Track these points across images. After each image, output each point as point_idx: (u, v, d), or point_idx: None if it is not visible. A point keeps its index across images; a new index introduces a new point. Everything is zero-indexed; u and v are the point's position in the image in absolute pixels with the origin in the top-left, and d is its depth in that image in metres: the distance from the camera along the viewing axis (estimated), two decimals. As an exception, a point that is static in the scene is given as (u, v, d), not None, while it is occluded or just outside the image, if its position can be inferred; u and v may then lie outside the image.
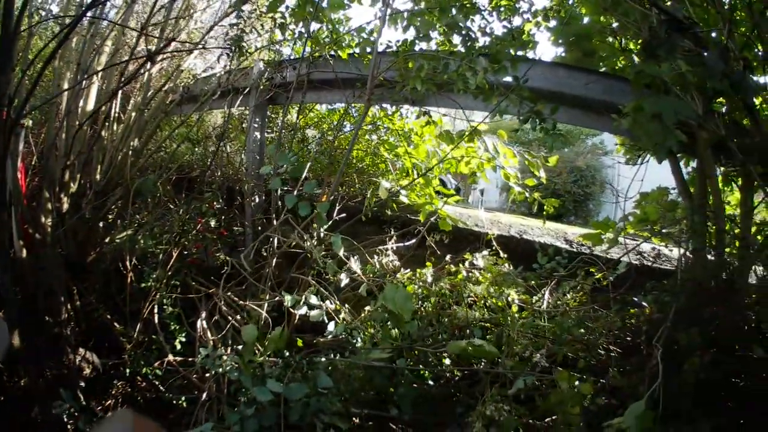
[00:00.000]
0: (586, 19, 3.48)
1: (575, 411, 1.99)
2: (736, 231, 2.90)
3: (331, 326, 2.88)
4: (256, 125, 4.29)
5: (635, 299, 2.53)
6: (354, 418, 2.66)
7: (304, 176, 2.96)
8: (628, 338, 2.68)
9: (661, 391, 2.15)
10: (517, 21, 3.61)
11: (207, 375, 3.01)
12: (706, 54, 2.31)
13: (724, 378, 2.62)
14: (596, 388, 2.36)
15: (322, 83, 4.14)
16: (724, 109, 2.96)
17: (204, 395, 2.88)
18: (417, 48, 3.43)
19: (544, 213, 3.29)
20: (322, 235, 2.76)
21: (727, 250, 2.92)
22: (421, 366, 2.65)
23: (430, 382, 2.76)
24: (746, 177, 2.87)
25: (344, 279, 2.81)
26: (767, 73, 3.06)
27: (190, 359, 3.25)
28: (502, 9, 3.72)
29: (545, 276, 2.82)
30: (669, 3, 2.86)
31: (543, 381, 2.25)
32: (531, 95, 2.57)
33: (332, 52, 4.07)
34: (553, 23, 3.71)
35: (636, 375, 2.55)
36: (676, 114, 2.29)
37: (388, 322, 2.47)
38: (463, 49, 3.16)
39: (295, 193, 2.82)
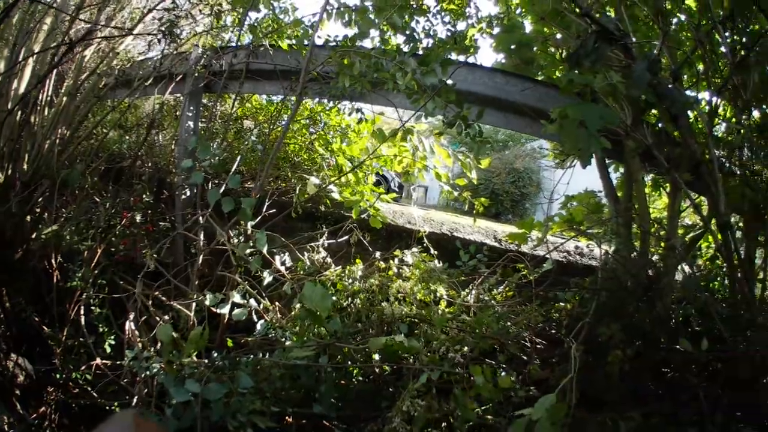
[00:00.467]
0: (529, 28, 3.64)
1: (472, 406, 2.10)
2: (662, 233, 3.14)
3: (260, 325, 2.90)
4: (190, 114, 4.18)
5: (559, 294, 2.68)
6: (287, 417, 2.70)
7: (234, 169, 2.93)
8: (553, 332, 2.85)
9: (575, 382, 2.28)
10: (461, 26, 3.74)
11: (137, 379, 2.95)
12: (633, 65, 2.46)
13: (652, 369, 2.85)
14: (518, 381, 2.50)
15: (261, 73, 4.10)
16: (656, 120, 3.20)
17: (135, 399, 2.82)
18: (359, 45, 3.46)
19: (475, 212, 3.42)
20: (249, 231, 2.74)
21: (654, 250, 3.16)
22: (347, 363, 2.70)
23: (360, 378, 2.84)
24: (673, 184, 3.11)
25: (267, 277, 2.81)
26: (702, 89, 3.33)
27: (119, 362, 3.17)
28: (447, 13, 3.83)
29: (468, 273, 2.94)
30: (612, 15, 3.05)
31: (463, 375, 2.36)
32: (457, 99, 2.66)
33: (273, 43, 4.03)
34: (496, 30, 3.85)
35: (558, 367, 2.72)
36: (599, 121, 2.41)
37: (309, 320, 2.51)
38: (406, 49, 3.23)
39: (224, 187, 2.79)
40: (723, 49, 2.87)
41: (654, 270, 2.87)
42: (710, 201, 2.83)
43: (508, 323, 2.58)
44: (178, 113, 4.84)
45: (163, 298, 3.19)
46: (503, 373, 2.49)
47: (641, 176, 2.91)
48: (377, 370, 2.80)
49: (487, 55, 18.44)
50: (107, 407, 3.07)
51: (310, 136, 4.07)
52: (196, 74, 4.29)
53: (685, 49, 3.11)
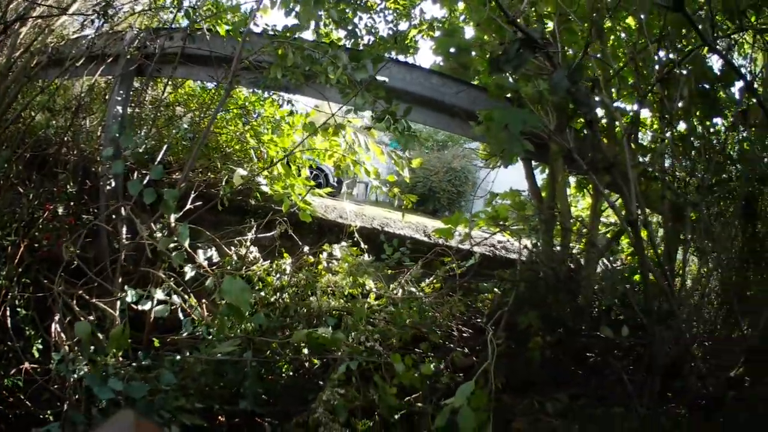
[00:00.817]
0: (471, 34, 3.74)
1: (393, 392, 2.22)
2: (585, 231, 3.36)
3: (185, 323, 2.90)
4: (119, 98, 4.03)
5: (481, 285, 2.84)
6: (220, 416, 2.74)
7: (159, 159, 2.88)
8: (477, 321, 3.01)
9: (495, 368, 2.42)
10: (404, 26, 3.80)
11: (66, 384, 2.89)
12: (554, 73, 2.59)
13: (575, 355, 3.08)
14: (444, 368, 2.64)
15: (196, 59, 4.00)
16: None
17: (66, 405, 2.77)
18: (298, 36, 3.44)
19: (403, 207, 3.54)
20: (172, 224, 2.72)
21: (575, 246, 3.38)
22: (275, 358, 2.76)
23: (291, 373, 2.91)
24: (595, 185, 3.31)
25: (190, 272, 2.81)
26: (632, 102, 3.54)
27: (47, 367, 3.08)
28: (392, 12, 3.87)
29: (393, 265, 3.05)
30: (551, 26, 3.17)
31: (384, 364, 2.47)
32: (387, 95, 2.73)
33: (211, 27, 3.94)
34: (438, 33, 3.93)
35: (480, 355, 2.88)
36: (521, 125, 2.53)
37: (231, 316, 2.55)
38: (349, 45, 3.25)
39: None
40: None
41: (575, 263, 3.08)
42: (624, 201, 3.04)
43: (432, 313, 2.71)
44: (108, 97, 4.66)
45: (87, 297, 3.12)
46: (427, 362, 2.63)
47: (564, 177, 3.08)
48: (306, 364, 2.87)
49: (427, 56, 18.61)
50: (41, 416, 2.99)
51: (243, 126, 4.01)
52: (129, 56, 4.14)
53: (620, 64, 3.30)
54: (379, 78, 3.45)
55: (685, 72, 3.04)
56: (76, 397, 2.81)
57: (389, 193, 3.51)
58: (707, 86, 3.19)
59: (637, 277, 3.67)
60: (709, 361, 3.05)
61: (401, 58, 3.83)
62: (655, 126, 3.75)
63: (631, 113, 3.53)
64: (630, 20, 3.55)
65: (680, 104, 3.14)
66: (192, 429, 2.48)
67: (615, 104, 3.47)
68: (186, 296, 2.81)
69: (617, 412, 2.74)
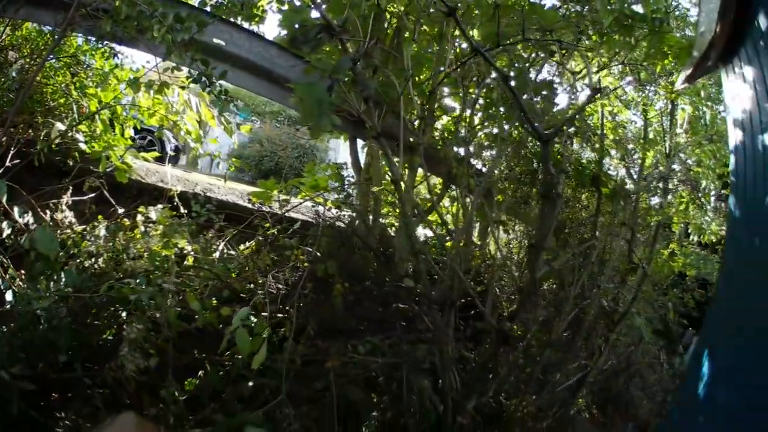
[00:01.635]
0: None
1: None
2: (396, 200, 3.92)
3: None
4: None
5: (287, 241, 3.25)
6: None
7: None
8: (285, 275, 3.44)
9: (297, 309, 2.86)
10: None
11: None
12: (343, 56, 2.98)
13: (383, 303, 3.69)
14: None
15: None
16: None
17: None
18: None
19: (225, 172, 3.83)
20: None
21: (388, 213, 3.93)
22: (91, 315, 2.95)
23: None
24: (409, 162, 3.85)
25: (6, 228, 2.87)
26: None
27: None
28: None
29: (203, 224, 3.35)
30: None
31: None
32: (204, 59, 2.95)
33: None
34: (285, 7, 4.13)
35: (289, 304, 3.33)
36: (322, 101, 2.87)
37: (43, 274, 2.69)
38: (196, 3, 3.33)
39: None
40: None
41: (372, 222, 3.63)
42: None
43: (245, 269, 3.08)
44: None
45: None
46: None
47: (379, 153, 3.57)
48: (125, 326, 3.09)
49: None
50: None
51: (72, 78, 3.89)
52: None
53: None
54: (217, 41, 3.65)
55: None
56: None
57: (213, 157, 3.74)
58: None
59: (449, 244, 4.38)
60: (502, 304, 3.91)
61: (245, 25, 4.01)
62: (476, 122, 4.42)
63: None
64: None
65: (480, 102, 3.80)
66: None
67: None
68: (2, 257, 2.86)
69: (421, 347, 3.41)
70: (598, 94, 3.46)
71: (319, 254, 3.13)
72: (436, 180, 4.36)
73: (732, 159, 3.10)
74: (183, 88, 3.28)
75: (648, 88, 4.43)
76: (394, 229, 4.06)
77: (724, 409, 2.52)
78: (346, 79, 2.96)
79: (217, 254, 3.24)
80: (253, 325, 2.51)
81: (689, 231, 5.67)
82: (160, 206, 3.27)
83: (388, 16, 3.88)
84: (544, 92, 3.30)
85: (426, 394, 3.35)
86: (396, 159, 3.24)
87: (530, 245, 2.88)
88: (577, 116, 3.30)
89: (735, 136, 3.06)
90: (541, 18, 3.43)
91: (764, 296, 2.46)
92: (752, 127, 2.81)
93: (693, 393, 2.84)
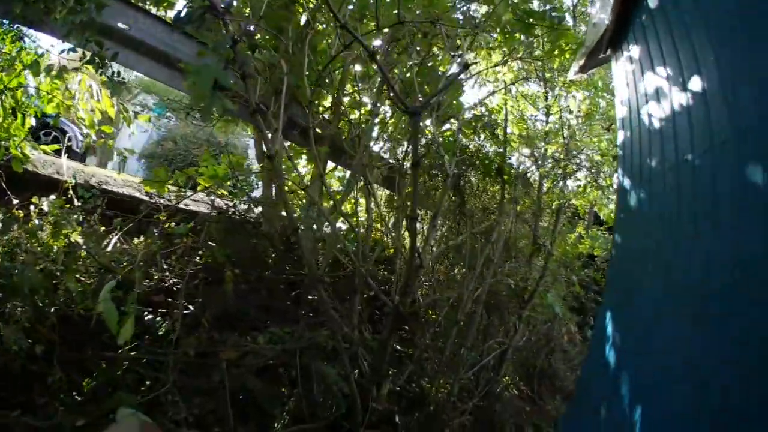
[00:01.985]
0: None
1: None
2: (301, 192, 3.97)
3: None
4: None
5: (176, 229, 3.24)
6: None
7: None
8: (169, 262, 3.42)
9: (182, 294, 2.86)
10: None
11: None
12: (225, 37, 3.02)
13: (285, 291, 3.71)
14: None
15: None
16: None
17: None
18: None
19: (120, 162, 3.79)
20: None
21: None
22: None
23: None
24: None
25: None
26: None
27: None
28: None
29: (87, 211, 3.30)
30: None
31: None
32: (98, 40, 2.91)
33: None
34: None
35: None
36: (212, 80, 2.87)
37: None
38: None
39: None
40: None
41: (289, 216, 3.68)
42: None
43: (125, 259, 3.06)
44: None
45: None
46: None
47: (282, 145, 3.61)
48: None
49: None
50: None
51: None
52: None
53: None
54: (122, 26, 3.61)
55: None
56: None
57: (105, 145, 3.70)
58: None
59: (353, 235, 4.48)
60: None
61: (153, 10, 3.97)
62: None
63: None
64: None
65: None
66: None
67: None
68: None
69: (322, 333, 3.46)
70: (467, 69, 3.65)
71: (210, 243, 3.13)
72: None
73: (619, 134, 3.30)
74: (76, 69, 3.21)
75: (547, 83, 4.71)
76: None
77: (629, 365, 2.61)
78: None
79: (110, 247, 3.19)
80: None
81: (602, 218, 6.02)
82: (53, 197, 3.19)
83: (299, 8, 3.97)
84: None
85: (331, 381, 3.37)
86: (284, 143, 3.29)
87: (407, 217, 2.97)
88: (444, 90, 3.44)
89: (621, 112, 3.26)
90: (434, 6, 3.59)
91: (649, 258, 2.62)
92: (637, 100, 2.97)
93: (598, 354, 2.95)
